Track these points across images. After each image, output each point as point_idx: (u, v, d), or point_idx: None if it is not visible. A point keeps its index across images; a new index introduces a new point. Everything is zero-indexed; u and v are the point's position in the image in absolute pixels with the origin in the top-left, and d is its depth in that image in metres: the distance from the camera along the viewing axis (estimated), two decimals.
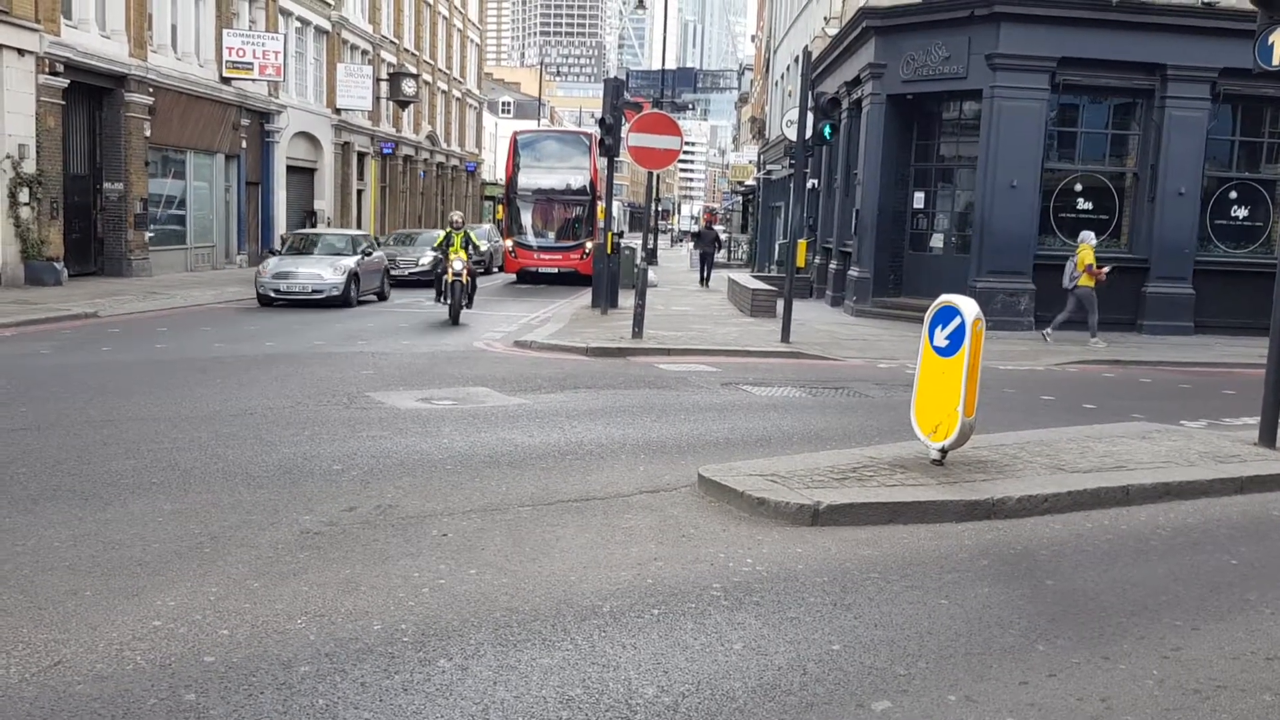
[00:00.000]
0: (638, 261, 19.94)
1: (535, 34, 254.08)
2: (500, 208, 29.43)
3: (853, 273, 21.25)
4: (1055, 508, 6.22)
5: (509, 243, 28.74)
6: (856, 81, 21.72)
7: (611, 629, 4.18)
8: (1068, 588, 4.93)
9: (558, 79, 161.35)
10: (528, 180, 28.58)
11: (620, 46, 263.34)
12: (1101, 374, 13.73)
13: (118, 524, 5.36)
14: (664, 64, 48.85)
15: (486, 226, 36.16)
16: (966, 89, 18.68)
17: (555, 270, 28.13)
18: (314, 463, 6.86)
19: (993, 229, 18.12)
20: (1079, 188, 18.86)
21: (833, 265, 23.93)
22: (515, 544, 5.24)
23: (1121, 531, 5.95)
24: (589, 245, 27.11)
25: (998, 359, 13.56)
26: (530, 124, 57.51)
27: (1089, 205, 18.89)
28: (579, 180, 28.78)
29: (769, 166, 40.47)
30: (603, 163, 26.22)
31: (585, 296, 22.22)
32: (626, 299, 19.03)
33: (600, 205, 26.67)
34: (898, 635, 4.24)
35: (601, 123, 18.05)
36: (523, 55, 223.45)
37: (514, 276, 29.11)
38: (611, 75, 26.39)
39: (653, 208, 26.21)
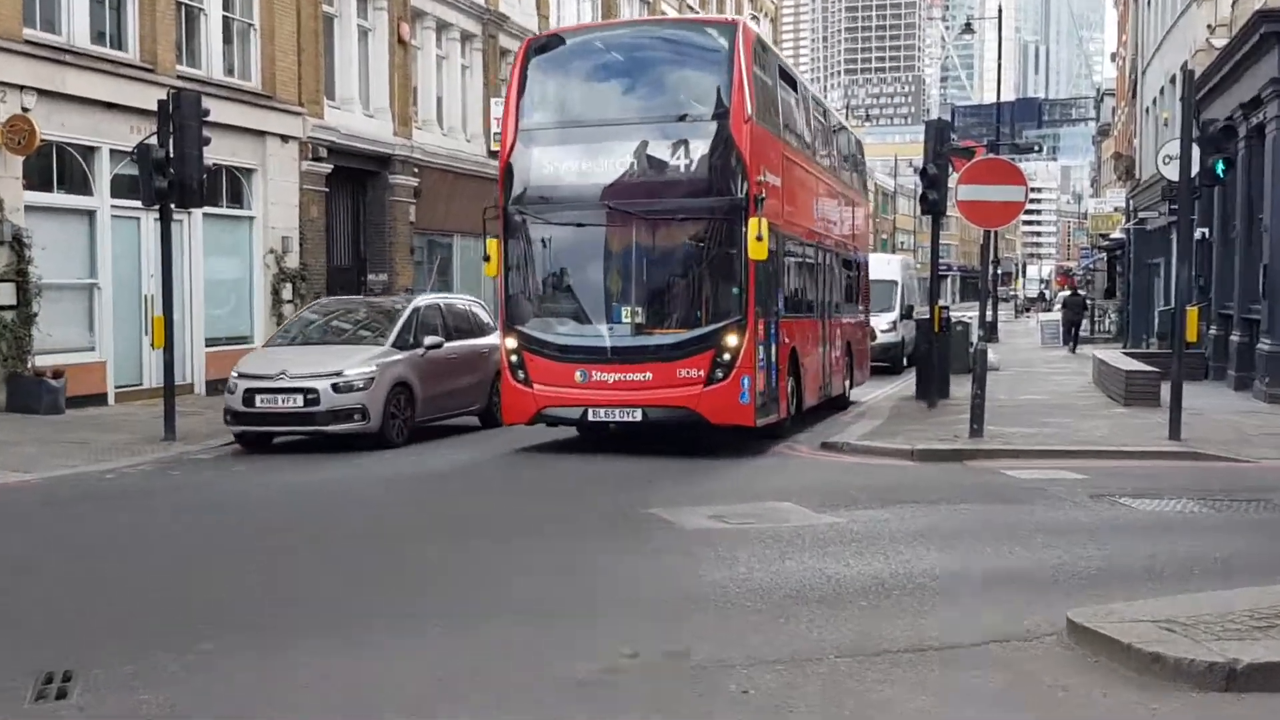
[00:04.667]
0: (973, 340, 19.52)
1: (839, 73, 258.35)
2: (491, 246, 14.02)
3: (1263, 346, 19.82)
4: None
5: (511, 342, 13.73)
6: (1256, 103, 20.52)
7: None
8: None
9: (867, 124, 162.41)
10: (555, 166, 13.82)
11: (944, 79, 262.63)
12: None
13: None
14: (999, 96, 48.23)
15: (425, 299, 17.09)
16: None
17: (638, 413, 13.04)
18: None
19: None
20: None
21: (1234, 337, 22.43)
22: (833, 706, 5.09)
23: None
24: (734, 341, 12.95)
25: None
26: None
27: None
28: (694, 155, 13.36)
29: (1141, 214, 38.88)
30: (768, 91, 14.59)
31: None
32: (959, 386, 18.56)
33: (758, 220, 12.65)
34: None
35: (923, 174, 17.95)
36: (826, 98, 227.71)
37: (514, 426, 14.21)
38: (934, 115, 26.11)
39: (990, 272, 25.30)
